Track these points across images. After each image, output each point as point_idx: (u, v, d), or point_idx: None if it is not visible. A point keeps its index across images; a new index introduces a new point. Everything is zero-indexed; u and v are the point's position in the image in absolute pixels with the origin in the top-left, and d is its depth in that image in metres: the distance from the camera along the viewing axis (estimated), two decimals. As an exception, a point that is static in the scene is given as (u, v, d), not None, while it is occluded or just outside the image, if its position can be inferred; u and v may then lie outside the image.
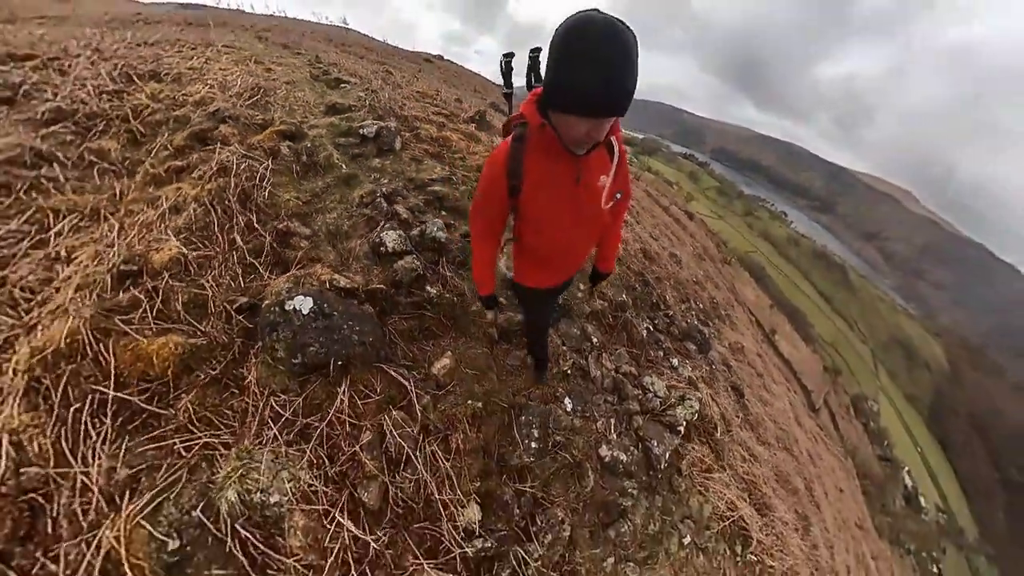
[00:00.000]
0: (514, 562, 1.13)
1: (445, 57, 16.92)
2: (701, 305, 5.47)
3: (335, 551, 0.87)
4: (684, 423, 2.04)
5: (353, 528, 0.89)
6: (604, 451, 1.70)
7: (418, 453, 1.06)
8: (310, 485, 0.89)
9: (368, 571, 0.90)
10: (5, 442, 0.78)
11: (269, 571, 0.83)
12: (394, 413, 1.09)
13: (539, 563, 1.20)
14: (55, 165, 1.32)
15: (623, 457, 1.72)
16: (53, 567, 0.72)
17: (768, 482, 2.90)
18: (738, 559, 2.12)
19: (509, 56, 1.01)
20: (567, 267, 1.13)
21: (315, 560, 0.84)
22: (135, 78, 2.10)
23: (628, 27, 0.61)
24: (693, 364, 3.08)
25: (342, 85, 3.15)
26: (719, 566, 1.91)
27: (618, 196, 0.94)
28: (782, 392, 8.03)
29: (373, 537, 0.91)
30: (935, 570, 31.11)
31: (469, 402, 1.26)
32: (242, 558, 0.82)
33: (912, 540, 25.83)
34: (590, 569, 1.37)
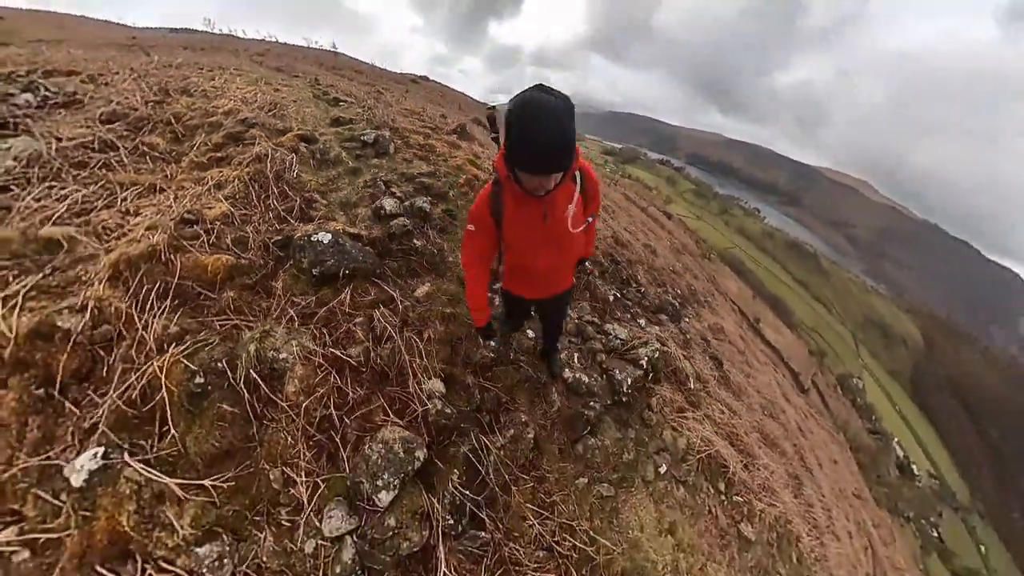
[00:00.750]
0: (474, 441, 1.24)
1: (430, 78, 17.54)
2: (679, 291, 5.55)
3: (321, 395, 1.09)
4: (646, 359, 2.15)
5: (340, 377, 1.13)
6: (568, 374, 1.83)
7: (397, 334, 1.32)
8: (312, 350, 1.15)
9: (345, 416, 1.09)
10: (91, 304, 1.06)
11: (266, 418, 1.04)
12: (383, 308, 1.37)
13: (501, 453, 1.30)
14: (120, 150, 1.69)
15: (585, 379, 1.84)
16: (98, 400, 0.93)
17: (750, 434, 2.89)
18: (723, 498, 2.10)
19: (492, 108, 1.14)
20: (550, 284, 1.25)
21: (304, 402, 1.06)
22: (171, 92, 2.50)
23: (565, 100, 0.76)
24: (663, 328, 3.21)
25: (341, 103, 3.53)
26: (703, 503, 1.93)
27: (589, 220, 1.12)
28: (767, 370, 8.12)
29: (352, 390, 1.13)
30: (935, 534, 31.09)
31: (441, 307, 1.52)
32: (248, 399, 1.04)
33: (909, 507, 25.89)
34: (559, 479, 1.44)
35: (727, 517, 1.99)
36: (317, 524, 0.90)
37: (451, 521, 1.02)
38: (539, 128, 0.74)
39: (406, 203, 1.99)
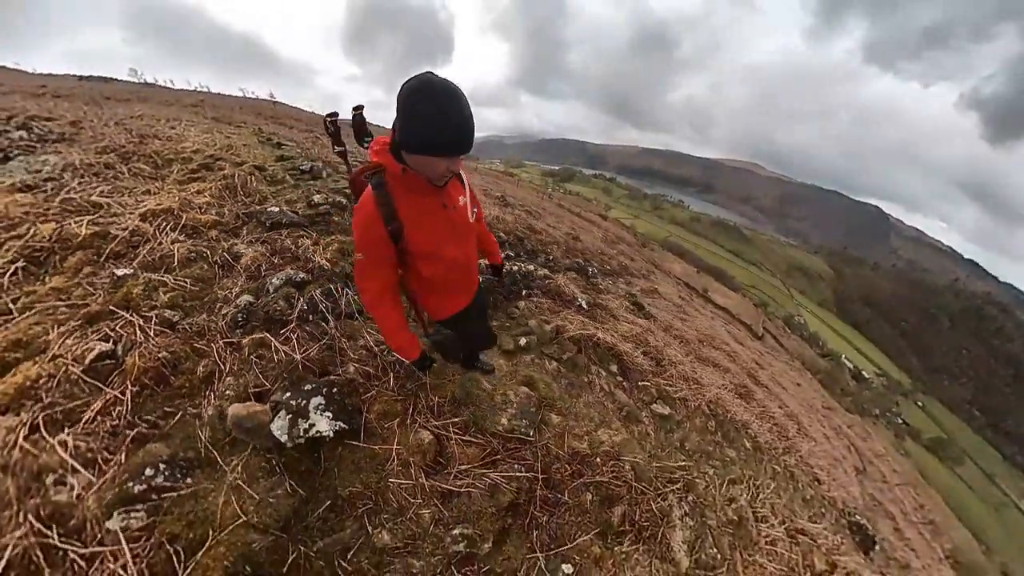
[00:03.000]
0: (338, 285, 1.69)
1: (372, 122, 17.01)
2: (608, 268, 5.23)
3: (259, 262, 1.70)
4: (504, 273, 2.18)
5: (272, 257, 1.78)
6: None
7: (311, 246, 1.98)
8: (260, 250, 1.80)
9: (270, 269, 1.67)
10: (132, 226, 1.66)
11: (226, 276, 1.57)
12: (304, 239, 2.03)
13: (356, 298, 1.67)
14: (119, 169, 2.31)
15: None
16: (126, 265, 1.45)
17: (662, 341, 2.88)
18: (619, 379, 2.02)
19: (334, 116, 0.99)
20: (469, 280, 1.12)
21: (248, 264, 1.65)
22: (143, 136, 3.04)
23: (457, 85, 0.70)
24: (562, 274, 3.06)
25: (283, 146, 4.22)
26: (591, 381, 1.87)
27: (475, 211, 1.05)
28: (717, 324, 7.69)
29: (278, 261, 1.76)
30: (900, 421, 33.33)
31: (343, 237, 2.20)
32: (218, 265, 1.61)
33: (873, 406, 27.77)
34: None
35: (633, 398, 1.94)
36: (236, 303, 1.42)
37: (306, 308, 1.47)
38: (454, 107, 0.69)
39: (330, 199, 2.71)
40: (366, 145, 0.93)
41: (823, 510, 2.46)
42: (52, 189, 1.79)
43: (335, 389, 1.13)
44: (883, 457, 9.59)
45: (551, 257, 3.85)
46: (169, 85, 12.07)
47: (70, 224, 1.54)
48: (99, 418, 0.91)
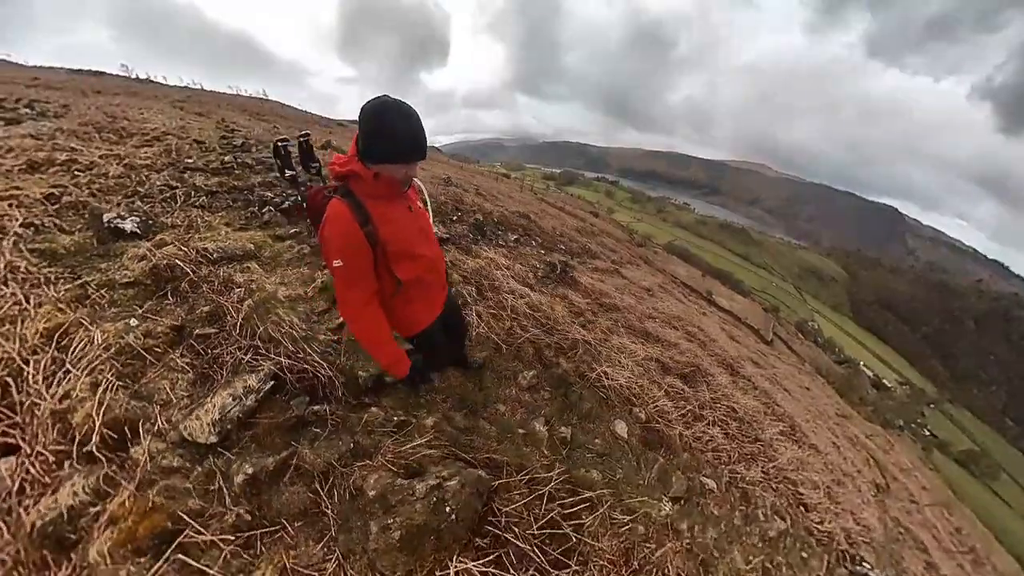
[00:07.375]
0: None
1: None
2: (562, 247, 5.27)
3: (160, 181, 2.54)
4: None
5: (170, 180, 2.61)
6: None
7: (199, 177, 2.82)
8: (166, 177, 2.60)
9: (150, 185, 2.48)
10: (94, 159, 2.54)
11: (139, 185, 2.41)
12: (199, 175, 2.87)
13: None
14: (95, 134, 3.19)
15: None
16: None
17: (531, 290, 2.74)
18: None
19: (285, 141, 1.14)
20: (440, 282, 1.20)
21: (154, 182, 2.47)
22: (115, 117, 4.03)
23: (411, 105, 0.88)
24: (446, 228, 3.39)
25: (234, 131, 5.03)
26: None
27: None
28: (714, 321, 7.53)
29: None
30: (927, 433, 31.46)
31: (224, 180, 3.00)
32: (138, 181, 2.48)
33: (896, 416, 26.28)
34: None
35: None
36: (130, 189, 2.34)
37: (168, 196, 2.36)
38: (410, 120, 0.86)
39: (238, 159, 3.49)
40: (313, 170, 1.24)
41: (804, 554, 1.71)
42: (47, 139, 2.73)
43: (151, 222, 2.03)
44: (910, 472, 8.55)
45: (453, 219, 3.92)
46: (161, 81, 12.20)
47: (55, 154, 2.50)
48: (44, 208, 1.91)
